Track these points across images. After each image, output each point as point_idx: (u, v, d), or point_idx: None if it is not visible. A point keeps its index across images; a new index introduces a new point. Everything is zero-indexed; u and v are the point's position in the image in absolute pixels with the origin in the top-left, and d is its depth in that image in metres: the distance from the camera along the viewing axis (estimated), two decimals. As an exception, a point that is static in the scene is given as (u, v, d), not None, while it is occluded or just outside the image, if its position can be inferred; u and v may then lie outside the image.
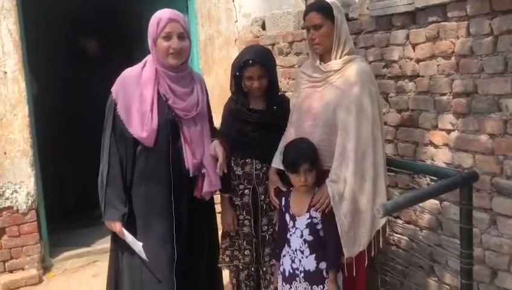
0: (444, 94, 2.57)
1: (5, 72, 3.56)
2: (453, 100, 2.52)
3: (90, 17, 5.45)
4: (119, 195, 2.29)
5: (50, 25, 5.14)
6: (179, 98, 2.33)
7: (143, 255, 2.28)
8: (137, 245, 2.29)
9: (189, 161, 2.33)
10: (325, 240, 2.25)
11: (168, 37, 2.25)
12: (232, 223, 2.63)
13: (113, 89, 2.32)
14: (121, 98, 2.29)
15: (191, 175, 2.34)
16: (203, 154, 2.39)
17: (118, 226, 2.29)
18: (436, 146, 2.64)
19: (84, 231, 4.36)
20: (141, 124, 2.26)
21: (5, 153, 3.60)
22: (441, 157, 2.61)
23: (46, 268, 3.86)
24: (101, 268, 3.83)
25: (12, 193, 3.64)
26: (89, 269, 3.91)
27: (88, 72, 4.81)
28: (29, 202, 3.70)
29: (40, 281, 3.72)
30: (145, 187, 2.33)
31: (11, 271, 3.70)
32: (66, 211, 4.95)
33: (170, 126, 2.30)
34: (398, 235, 2.92)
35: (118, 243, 2.39)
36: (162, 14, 2.28)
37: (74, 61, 5.09)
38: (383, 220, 2.25)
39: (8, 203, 3.64)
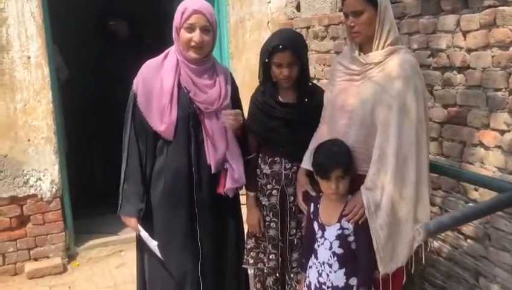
0: (499, 90, 2.27)
1: (29, 57, 3.45)
2: (510, 97, 2.22)
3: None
4: (136, 190, 2.25)
5: (80, 8, 5.03)
6: (201, 90, 2.24)
7: (157, 252, 2.24)
8: (152, 243, 2.24)
9: (211, 156, 2.25)
10: (357, 254, 2.03)
11: (190, 29, 2.16)
12: (258, 224, 2.45)
13: (135, 80, 2.27)
14: (140, 89, 2.24)
15: (213, 171, 2.26)
16: (226, 149, 2.30)
17: (133, 222, 2.26)
18: (486, 148, 2.36)
19: (112, 217, 4.27)
20: (160, 116, 2.21)
21: (28, 140, 3.53)
22: (492, 161, 2.33)
23: (71, 256, 3.82)
24: (125, 259, 3.80)
25: (36, 181, 3.58)
26: (114, 259, 3.84)
27: (118, 55, 4.71)
28: (54, 190, 3.63)
29: (65, 270, 3.68)
30: (165, 182, 2.26)
31: (36, 259, 3.67)
32: (96, 194, 4.93)
33: (192, 119, 2.22)
34: (439, 242, 2.67)
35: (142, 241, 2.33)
36: (189, 4, 2.17)
37: (105, 44, 5.00)
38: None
39: (32, 191, 3.59)
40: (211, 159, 2.25)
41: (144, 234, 2.24)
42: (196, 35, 2.15)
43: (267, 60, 2.30)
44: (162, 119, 2.19)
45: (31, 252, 3.66)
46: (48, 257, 3.69)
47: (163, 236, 2.28)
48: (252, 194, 2.47)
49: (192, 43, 2.16)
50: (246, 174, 2.38)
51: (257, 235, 2.50)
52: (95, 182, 5.26)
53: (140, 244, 2.38)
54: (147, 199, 2.27)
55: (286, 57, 2.23)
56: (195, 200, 2.27)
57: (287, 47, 2.22)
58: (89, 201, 4.58)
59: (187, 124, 2.23)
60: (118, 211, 2.28)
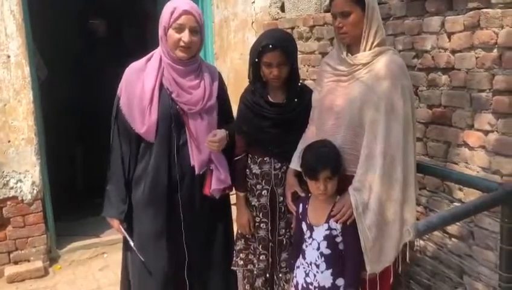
0: (483, 90, 2.31)
1: (8, 56, 3.37)
2: (493, 98, 2.26)
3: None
4: (118, 192, 2.27)
5: (59, 6, 4.95)
6: (184, 91, 2.23)
7: (138, 254, 2.27)
8: (132, 243, 2.28)
9: (195, 157, 2.25)
10: (344, 255, 2.03)
11: (180, 29, 2.15)
12: (248, 225, 2.43)
13: (120, 84, 2.28)
14: (124, 92, 2.26)
15: (196, 172, 2.25)
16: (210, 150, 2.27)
17: (115, 224, 2.30)
18: (471, 148, 2.39)
19: (95, 219, 4.21)
20: (141, 118, 2.21)
21: (8, 141, 3.45)
22: (476, 161, 2.36)
23: (52, 259, 3.74)
24: (108, 261, 3.75)
25: (16, 183, 3.50)
26: (96, 262, 3.78)
27: (98, 55, 4.65)
28: (35, 191, 3.56)
29: (46, 273, 3.61)
30: (146, 183, 2.26)
31: (16, 263, 3.59)
32: (77, 195, 4.86)
33: (174, 120, 2.22)
34: (423, 241, 2.69)
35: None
36: (178, 4, 2.16)
37: (84, 43, 4.93)
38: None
39: (12, 193, 3.51)
40: (195, 160, 2.24)
41: (126, 235, 2.28)
42: (185, 36, 2.14)
43: (256, 60, 2.29)
44: (143, 121, 2.19)
45: (11, 255, 3.58)
46: (28, 261, 3.61)
47: (144, 237, 2.28)
48: (241, 194, 2.45)
49: (181, 43, 2.15)
50: (235, 175, 2.36)
51: (247, 236, 2.48)
52: (77, 183, 5.17)
53: (126, 245, 2.37)
54: (129, 200, 2.29)
55: (276, 56, 2.22)
56: (178, 202, 2.26)
57: (276, 47, 2.21)
58: (71, 203, 4.50)
59: (169, 125, 2.21)
60: (102, 212, 2.31)
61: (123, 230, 2.29)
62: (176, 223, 2.28)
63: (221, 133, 2.27)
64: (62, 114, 4.90)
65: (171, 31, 2.16)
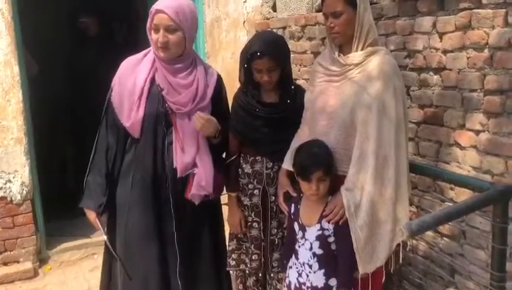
0: (474, 90, 2.32)
1: (-3, 55, 3.33)
2: (485, 98, 2.27)
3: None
4: (99, 184, 2.24)
5: (49, 4, 4.90)
6: (175, 90, 2.19)
7: (112, 249, 2.26)
8: (105, 237, 2.27)
9: (178, 159, 2.20)
10: (337, 255, 2.03)
11: (156, 29, 2.14)
12: (239, 224, 2.43)
13: (115, 76, 2.27)
14: (117, 85, 2.26)
15: (178, 175, 2.20)
16: (196, 153, 2.23)
17: (92, 216, 2.25)
18: (462, 148, 2.40)
19: (85, 219, 4.16)
20: (129, 112, 2.18)
21: (-3, 141, 3.40)
22: (468, 161, 2.37)
23: (42, 260, 3.70)
24: (98, 262, 3.63)
25: (5, 183, 3.45)
26: (87, 263, 3.75)
27: (89, 53, 4.60)
28: (24, 192, 3.51)
29: (36, 274, 3.56)
30: (132, 180, 2.23)
31: (5, 264, 3.54)
32: (67, 194, 4.80)
33: (163, 119, 2.19)
34: (415, 240, 2.70)
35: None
36: (155, 4, 2.13)
37: (75, 41, 4.88)
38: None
39: (1, 194, 3.45)
40: (178, 162, 2.19)
41: (100, 228, 2.25)
42: (160, 36, 2.11)
43: (246, 66, 2.28)
44: (129, 115, 2.17)
45: (0, 256, 3.53)
46: (18, 262, 3.56)
47: (126, 236, 2.25)
48: (233, 194, 2.45)
49: (158, 44, 2.12)
50: (227, 175, 2.35)
51: (239, 236, 2.47)
52: (67, 182, 5.12)
53: (109, 249, 2.32)
54: (113, 196, 2.26)
55: (265, 63, 2.21)
56: (161, 202, 2.23)
57: (264, 54, 2.19)
58: (61, 203, 4.45)
59: (156, 123, 2.18)
60: (81, 202, 2.28)
61: (99, 223, 2.24)
62: (163, 223, 2.24)
63: (212, 118, 2.21)
64: (53, 113, 4.85)
65: (152, 32, 2.15)
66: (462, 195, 2.36)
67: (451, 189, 2.46)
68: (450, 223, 2.42)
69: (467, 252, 2.40)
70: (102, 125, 2.26)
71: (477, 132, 2.32)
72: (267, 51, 2.19)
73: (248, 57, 2.22)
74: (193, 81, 2.22)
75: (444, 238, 2.54)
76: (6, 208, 3.49)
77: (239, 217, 2.43)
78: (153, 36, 2.14)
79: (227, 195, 2.46)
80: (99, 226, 2.25)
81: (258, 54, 2.18)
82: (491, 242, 1.82)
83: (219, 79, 2.36)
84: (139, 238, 2.23)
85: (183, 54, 2.20)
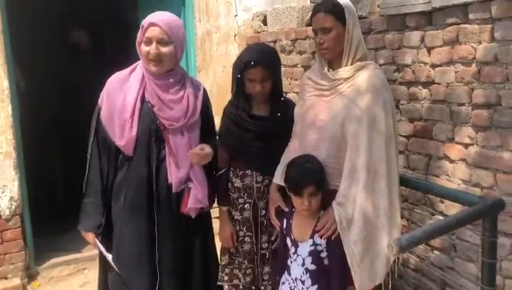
0: (462, 104, 2.35)
1: (-14, 69, 3.31)
2: (473, 112, 2.29)
3: (83, 9, 5.21)
4: (95, 204, 2.23)
5: (39, 17, 4.90)
6: (166, 106, 2.19)
7: (114, 266, 2.23)
8: (109, 256, 2.24)
9: (173, 175, 2.20)
10: (329, 270, 2.02)
11: (148, 42, 2.14)
12: (231, 239, 2.42)
13: (101, 94, 2.24)
14: (105, 103, 2.22)
15: (173, 190, 2.20)
16: (190, 168, 2.23)
17: (90, 237, 2.24)
18: (452, 161, 2.42)
19: (75, 233, 4.13)
20: (121, 130, 2.17)
21: (-14, 156, 3.37)
22: (457, 174, 2.39)
23: (31, 276, 3.64)
24: (89, 277, 3.66)
25: (-6, 198, 3.41)
26: (77, 278, 3.70)
27: (80, 67, 4.60)
28: (13, 207, 3.47)
29: (24, 290, 3.52)
30: (125, 198, 2.21)
31: (-7, 280, 3.49)
32: (58, 209, 4.76)
33: (155, 135, 2.18)
34: (406, 254, 2.71)
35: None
36: (148, 17, 2.14)
37: (66, 55, 4.87)
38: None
39: (-10, 209, 3.41)
40: (172, 178, 2.19)
41: (101, 249, 2.24)
42: (152, 48, 2.11)
43: (239, 76, 2.29)
44: (123, 133, 2.16)
45: (-12, 272, 3.48)
46: (6, 278, 3.49)
47: (120, 253, 2.23)
48: (224, 208, 2.43)
49: (150, 56, 2.12)
50: (217, 190, 2.34)
51: (231, 251, 2.46)
52: (57, 197, 5.07)
53: (104, 263, 2.32)
54: (109, 213, 2.24)
55: (258, 72, 2.22)
56: (154, 220, 2.21)
57: (258, 63, 2.21)
58: (51, 217, 4.41)
59: (149, 140, 2.18)
60: (78, 225, 2.26)
61: (99, 244, 2.23)
62: (154, 240, 2.23)
63: (208, 149, 2.23)
64: (43, 126, 4.82)
65: (142, 45, 2.15)
66: (453, 208, 2.38)
67: (442, 202, 2.48)
68: (440, 236, 2.44)
69: (458, 266, 2.41)
70: (94, 144, 2.24)
71: (466, 145, 2.34)
72: (261, 60, 2.21)
73: (242, 66, 2.23)
74: (183, 96, 2.22)
75: (435, 251, 2.55)
76: (-5, 224, 3.45)
77: (230, 231, 2.42)
78: (143, 49, 2.14)
79: (218, 210, 2.45)
80: (100, 246, 2.23)
81: (252, 62, 2.20)
82: (481, 256, 1.83)
83: (205, 92, 2.38)
84: (130, 260, 2.21)
85: (174, 68, 2.21)
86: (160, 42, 2.12)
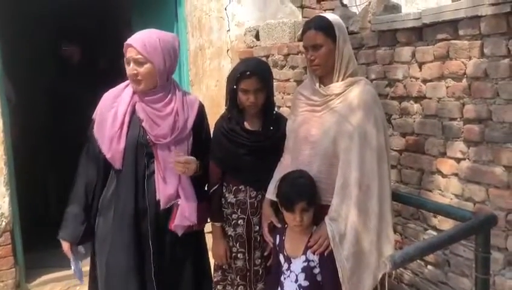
0: (454, 119, 2.36)
1: (-23, 84, 3.29)
2: (464, 126, 2.31)
3: (76, 24, 5.22)
4: (76, 215, 2.23)
5: (31, 32, 4.90)
6: (154, 121, 2.20)
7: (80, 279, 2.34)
8: (72, 268, 2.31)
9: (161, 191, 2.19)
10: (322, 286, 2.01)
11: (128, 63, 2.18)
12: (224, 255, 2.39)
13: (97, 107, 2.28)
14: (98, 116, 2.24)
15: (161, 207, 2.18)
16: (178, 184, 2.21)
17: (65, 246, 2.25)
18: (444, 175, 2.43)
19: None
20: (110, 143, 2.18)
21: (-24, 172, 3.34)
22: (450, 189, 2.39)
23: (21, 294, 3.60)
24: (80, 294, 3.61)
25: (-16, 215, 3.38)
26: (68, 295, 3.65)
27: (72, 81, 4.59)
28: (3, 223, 3.43)
29: (14, 309, 3.46)
30: (114, 213, 2.21)
31: (-18, 298, 3.43)
32: (49, 225, 4.69)
33: (145, 150, 2.19)
34: (399, 269, 2.69)
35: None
36: (129, 39, 2.19)
37: (57, 69, 4.87)
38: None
39: (-21, 226, 3.37)
40: (160, 194, 2.18)
41: (70, 259, 2.27)
42: (129, 69, 2.16)
43: (234, 87, 2.29)
44: (110, 147, 2.18)
45: (-23, 291, 3.43)
46: (-4, 296, 3.47)
47: (107, 275, 2.22)
48: (218, 225, 2.42)
49: (128, 76, 2.17)
50: (210, 206, 2.33)
51: (224, 267, 2.44)
52: (48, 212, 5.03)
53: (93, 274, 2.31)
54: (98, 226, 2.24)
55: (253, 83, 2.24)
56: (143, 236, 2.20)
57: (253, 74, 2.23)
58: (42, 232, 4.36)
59: (136, 154, 2.18)
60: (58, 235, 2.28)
61: (70, 253, 2.24)
62: (143, 257, 2.21)
63: (190, 157, 2.21)
64: (35, 141, 4.79)
65: (126, 65, 2.20)
66: (446, 223, 2.38)
67: (435, 217, 2.48)
68: (434, 251, 2.43)
69: (452, 280, 2.41)
70: (84, 157, 2.26)
71: (458, 160, 2.35)
72: (256, 70, 2.24)
73: (238, 76, 2.24)
74: (171, 112, 2.21)
75: (429, 266, 2.55)
76: (-16, 241, 3.41)
77: (224, 248, 2.39)
78: (127, 69, 2.19)
79: (211, 226, 2.43)
80: (70, 256, 2.25)
81: (248, 73, 2.22)
82: (474, 271, 1.82)
83: (201, 107, 2.36)
84: (119, 277, 2.19)
85: (157, 86, 2.21)
86: (136, 62, 2.15)
